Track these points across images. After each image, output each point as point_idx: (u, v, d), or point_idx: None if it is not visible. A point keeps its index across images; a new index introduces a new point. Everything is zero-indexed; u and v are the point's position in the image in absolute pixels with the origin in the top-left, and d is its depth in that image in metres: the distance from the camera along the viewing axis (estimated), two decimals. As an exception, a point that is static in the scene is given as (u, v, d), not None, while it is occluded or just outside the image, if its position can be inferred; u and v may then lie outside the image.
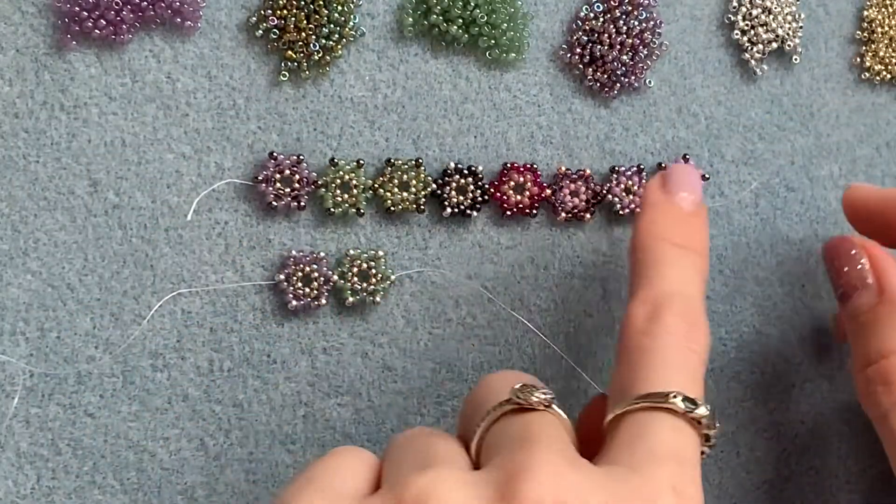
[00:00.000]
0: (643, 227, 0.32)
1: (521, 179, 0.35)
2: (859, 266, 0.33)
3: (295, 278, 0.34)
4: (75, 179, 0.33)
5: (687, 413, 0.25)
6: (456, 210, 0.35)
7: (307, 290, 0.34)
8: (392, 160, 0.35)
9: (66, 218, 0.33)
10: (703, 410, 0.25)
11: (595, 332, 0.37)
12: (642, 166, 0.37)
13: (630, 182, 0.36)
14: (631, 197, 0.36)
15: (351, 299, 0.35)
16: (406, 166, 0.35)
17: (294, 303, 0.34)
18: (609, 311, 0.37)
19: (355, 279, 0.35)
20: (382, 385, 0.36)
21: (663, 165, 0.37)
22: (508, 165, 0.35)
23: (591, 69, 0.36)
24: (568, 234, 0.37)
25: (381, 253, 0.35)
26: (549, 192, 0.36)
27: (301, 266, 0.34)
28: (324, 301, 0.35)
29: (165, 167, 0.33)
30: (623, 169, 0.36)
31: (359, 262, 0.35)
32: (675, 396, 0.25)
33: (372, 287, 0.35)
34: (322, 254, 0.34)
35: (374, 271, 0.35)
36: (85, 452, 0.33)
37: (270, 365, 0.35)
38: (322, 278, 0.34)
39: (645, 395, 0.26)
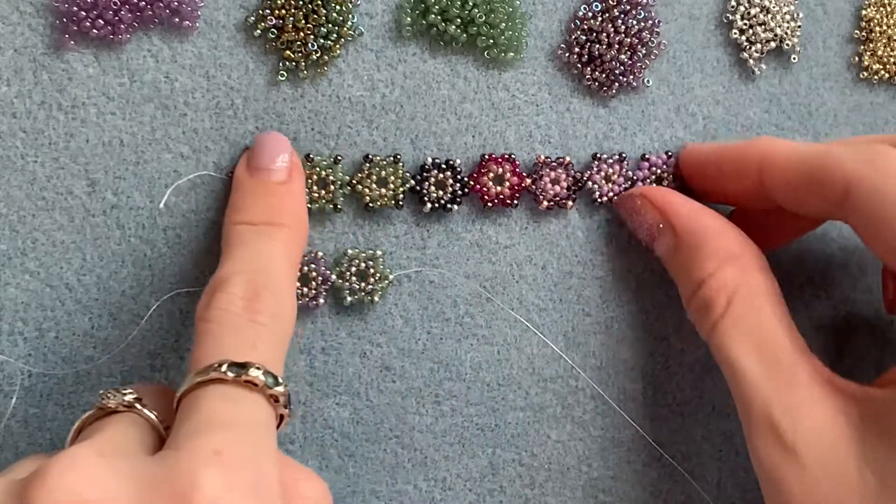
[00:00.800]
0: (225, 214, 0.31)
1: (500, 170, 0.35)
2: (644, 214, 0.34)
3: (293, 278, 0.34)
4: (73, 179, 0.33)
5: (239, 378, 0.25)
6: (436, 205, 0.35)
7: (305, 289, 0.34)
8: (370, 156, 0.34)
9: (64, 218, 0.33)
10: (254, 372, 0.25)
11: (594, 332, 0.37)
12: (624, 154, 0.36)
13: (611, 170, 0.36)
14: (610, 185, 0.36)
15: (349, 299, 0.34)
16: (384, 162, 0.34)
17: (292, 302, 0.34)
18: (608, 310, 0.37)
19: (353, 279, 0.34)
20: (381, 385, 0.36)
21: (646, 157, 0.36)
22: (487, 157, 0.35)
23: (589, 68, 0.36)
24: (567, 234, 0.37)
25: (379, 252, 0.35)
26: (528, 181, 0.36)
27: (299, 265, 0.34)
28: (322, 301, 0.34)
29: (163, 167, 0.33)
30: (604, 156, 0.36)
31: (357, 261, 0.35)
32: (220, 365, 0.25)
33: (370, 287, 0.35)
34: (320, 253, 0.34)
35: (372, 271, 0.35)
36: (83, 452, 0.33)
37: (269, 365, 0.35)
38: (320, 278, 0.34)
39: (195, 373, 0.25)
